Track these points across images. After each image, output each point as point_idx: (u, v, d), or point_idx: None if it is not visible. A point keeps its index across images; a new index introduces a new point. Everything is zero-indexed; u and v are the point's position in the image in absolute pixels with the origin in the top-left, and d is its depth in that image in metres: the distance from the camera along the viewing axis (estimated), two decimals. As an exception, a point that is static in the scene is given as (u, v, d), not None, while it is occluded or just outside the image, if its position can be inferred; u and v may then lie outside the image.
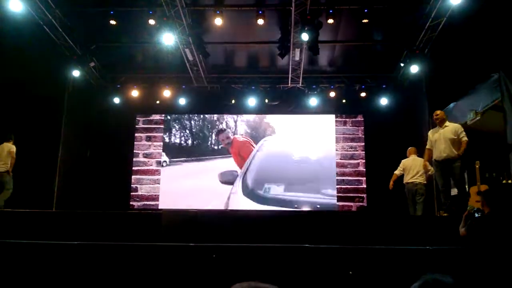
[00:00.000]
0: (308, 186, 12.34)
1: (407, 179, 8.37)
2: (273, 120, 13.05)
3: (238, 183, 12.40)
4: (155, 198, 12.54)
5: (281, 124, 12.94)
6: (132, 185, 12.61)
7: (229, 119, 13.13)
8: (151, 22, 9.72)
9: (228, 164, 12.74)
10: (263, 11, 9.71)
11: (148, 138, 12.97)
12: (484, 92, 7.77)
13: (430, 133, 7.51)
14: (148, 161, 12.82)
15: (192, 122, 13.18)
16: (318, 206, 12.19)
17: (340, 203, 12.25)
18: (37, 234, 5.16)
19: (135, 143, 12.91)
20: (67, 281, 3.47)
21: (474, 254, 3.63)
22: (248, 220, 6.66)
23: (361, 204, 12.23)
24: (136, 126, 13.03)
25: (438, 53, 10.04)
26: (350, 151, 12.62)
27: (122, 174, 12.51)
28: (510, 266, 3.31)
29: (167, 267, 3.53)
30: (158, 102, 12.66)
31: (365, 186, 12.32)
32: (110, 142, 12.53)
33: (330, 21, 9.68)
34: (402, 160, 8.65)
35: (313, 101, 12.33)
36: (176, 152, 12.97)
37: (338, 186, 12.38)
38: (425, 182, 8.26)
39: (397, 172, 8.57)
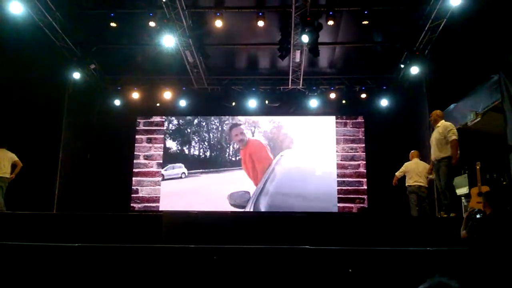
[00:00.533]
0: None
1: (410, 182, 8.38)
2: (291, 130, 12.88)
3: (250, 206, 12.14)
4: (156, 200, 12.55)
5: (281, 125, 12.93)
6: (132, 187, 12.62)
7: (246, 130, 13.01)
8: (152, 24, 9.74)
9: (242, 176, 12.59)
10: (263, 13, 9.73)
11: (149, 140, 12.97)
12: (484, 93, 7.76)
13: None
14: (149, 163, 12.83)
15: (211, 134, 13.10)
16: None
17: (341, 205, 12.25)
18: (38, 236, 5.16)
19: (135, 145, 12.92)
20: (68, 283, 3.47)
21: (476, 255, 3.63)
22: (249, 222, 6.66)
23: (361, 205, 12.22)
24: (137, 128, 13.04)
25: (438, 54, 10.04)
26: (350, 152, 12.62)
27: (123, 176, 12.52)
28: None
29: (168, 269, 3.53)
30: (158, 104, 12.68)
31: (365, 187, 12.32)
32: (111, 144, 12.54)
33: (330, 22, 9.69)
34: (405, 163, 8.67)
35: (313, 102, 12.33)
36: (195, 164, 12.90)
37: (339, 188, 12.37)
38: (426, 185, 8.34)
39: (397, 173, 8.58)
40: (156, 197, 12.57)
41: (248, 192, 12.30)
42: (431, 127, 10.02)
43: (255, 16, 9.79)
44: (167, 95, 12.37)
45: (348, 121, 12.81)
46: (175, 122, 13.19)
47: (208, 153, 12.92)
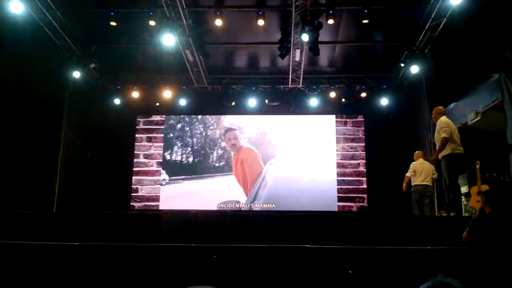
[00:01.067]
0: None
1: (417, 181, 8.48)
2: (274, 137, 12.87)
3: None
4: (156, 198, 12.55)
5: (282, 125, 12.92)
6: (132, 186, 12.62)
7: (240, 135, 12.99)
8: (152, 23, 9.73)
9: (229, 182, 12.57)
10: (263, 12, 9.73)
11: (149, 139, 12.98)
12: (484, 92, 7.77)
13: None
14: (149, 161, 12.83)
15: (194, 140, 13.07)
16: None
17: (341, 204, 12.25)
18: (38, 235, 5.16)
19: (135, 144, 12.92)
20: (68, 282, 3.47)
21: (476, 255, 3.63)
22: (249, 221, 6.67)
23: (361, 204, 12.23)
24: (137, 127, 13.04)
25: (439, 53, 10.05)
26: (350, 151, 12.62)
27: (123, 175, 12.53)
28: None
29: (168, 268, 3.54)
30: (157, 104, 12.68)
31: (365, 186, 12.32)
32: (111, 143, 12.54)
33: (331, 21, 9.68)
34: (412, 163, 8.74)
35: (313, 101, 12.33)
36: (175, 170, 12.86)
37: (339, 187, 12.37)
38: (432, 185, 8.51)
39: (408, 174, 8.66)
40: (156, 196, 12.57)
41: (239, 201, 12.32)
42: (431, 126, 10.07)
43: (255, 15, 9.79)
44: (167, 94, 12.37)
45: (348, 120, 12.80)
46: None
47: (191, 159, 12.89)
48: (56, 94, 10.91)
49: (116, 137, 12.65)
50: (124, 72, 12.59)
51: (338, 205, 12.24)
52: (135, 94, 12.49)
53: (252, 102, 12.34)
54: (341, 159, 12.57)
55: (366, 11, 9.63)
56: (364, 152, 12.54)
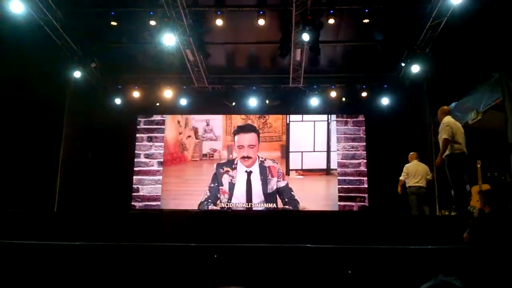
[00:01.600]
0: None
1: (411, 183, 8.64)
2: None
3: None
4: (157, 198, 12.55)
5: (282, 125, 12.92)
6: (133, 186, 12.62)
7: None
8: (152, 23, 9.74)
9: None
10: (264, 11, 9.72)
11: (149, 139, 12.97)
12: (485, 91, 7.76)
13: None
14: (150, 161, 12.83)
15: None
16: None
17: (342, 203, 12.25)
18: (39, 235, 5.17)
19: (136, 143, 12.92)
20: (69, 282, 3.48)
21: (476, 254, 3.63)
22: (250, 220, 6.67)
23: (362, 204, 12.22)
24: (138, 126, 13.04)
25: (439, 52, 10.04)
26: (351, 151, 12.61)
27: (124, 175, 12.52)
28: (512, 265, 3.31)
29: (169, 268, 3.54)
30: (158, 104, 12.68)
31: (366, 186, 12.31)
32: (111, 142, 12.54)
33: (331, 21, 9.69)
34: (406, 165, 8.89)
35: (314, 101, 12.32)
36: None
37: (340, 186, 12.37)
38: (426, 186, 8.69)
39: (402, 178, 8.84)
40: (157, 195, 12.57)
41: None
42: (432, 125, 10.08)
43: (255, 14, 9.79)
44: (168, 94, 12.36)
45: (349, 119, 12.79)
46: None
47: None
48: (56, 93, 10.90)
49: (117, 137, 12.65)
50: (124, 71, 12.58)
51: (339, 205, 12.23)
52: (136, 94, 12.48)
53: (252, 101, 12.34)
54: (342, 159, 12.56)
55: (366, 10, 9.63)
56: (365, 152, 12.53)
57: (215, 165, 12.54)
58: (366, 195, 12.26)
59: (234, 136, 12.75)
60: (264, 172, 12.31)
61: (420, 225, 6.20)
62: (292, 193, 12.18)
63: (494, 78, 7.36)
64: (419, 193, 8.55)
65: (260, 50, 11.83)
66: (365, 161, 12.46)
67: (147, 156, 12.87)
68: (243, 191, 12.21)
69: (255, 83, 12.32)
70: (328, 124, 12.79)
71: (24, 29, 9.07)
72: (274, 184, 12.24)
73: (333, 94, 12.27)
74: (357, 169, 12.47)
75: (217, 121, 12.99)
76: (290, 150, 12.68)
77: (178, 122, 13.10)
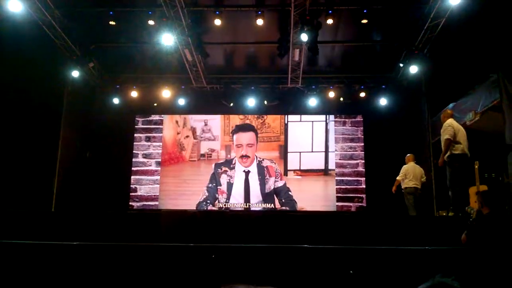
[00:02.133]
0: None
1: (409, 184, 8.72)
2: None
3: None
4: (155, 198, 12.55)
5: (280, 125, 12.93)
6: (131, 186, 12.61)
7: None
8: (151, 22, 9.74)
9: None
10: (262, 11, 9.72)
11: (148, 139, 12.97)
12: (483, 92, 7.77)
13: None
14: (148, 161, 12.82)
15: None
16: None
17: (340, 204, 12.26)
18: (36, 234, 5.16)
19: (134, 143, 12.91)
20: (67, 282, 3.47)
21: (474, 255, 3.64)
22: (248, 221, 6.66)
23: (360, 204, 12.23)
24: (136, 126, 13.03)
25: (437, 53, 10.05)
26: (349, 151, 12.62)
27: (122, 175, 12.51)
28: (511, 266, 3.32)
29: (166, 268, 3.54)
30: (155, 104, 12.68)
31: (364, 186, 12.32)
32: (110, 142, 12.54)
33: (330, 21, 9.70)
34: (404, 166, 8.96)
35: (312, 101, 12.32)
36: None
37: (338, 187, 12.38)
38: (420, 187, 8.86)
39: (399, 178, 8.91)
40: (155, 195, 12.57)
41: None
42: (430, 126, 10.10)
43: (254, 14, 9.79)
44: (166, 93, 12.36)
45: (347, 120, 12.80)
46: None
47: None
48: (55, 93, 10.89)
49: (115, 137, 12.65)
50: (123, 71, 12.57)
51: (337, 205, 12.24)
52: (134, 94, 12.48)
53: (251, 101, 12.34)
54: (340, 159, 12.57)
55: (365, 11, 9.64)
56: (363, 152, 12.54)
57: (213, 165, 12.54)
58: (364, 196, 12.28)
59: (233, 135, 12.75)
60: (262, 172, 12.31)
61: (418, 225, 6.20)
62: (290, 193, 12.18)
63: (492, 79, 7.37)
64: (416, 193, 8.67)
65: (258, 50, 11.84)
66: (363, 161, 12.48)
67: (145, 156, 12.86)
68: (241, 191, 12.21)
69: (253, 83, 12.32)
70: (326, 124, 12.80)
71: (22, 28, 9.06)
72: (271, 184, 12.24)
73: (331, 94, 12.28)
74: (355, 169, 12.48)
75: (215, 121, 12.99)
76: (288, 150, 12.69)
77: (176, 122, 13.09)
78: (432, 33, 9.84)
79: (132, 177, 12.67)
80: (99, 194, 11.65)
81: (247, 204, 12.11)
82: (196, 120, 13.05)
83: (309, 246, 3.59)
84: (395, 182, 8.89)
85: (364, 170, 12.43)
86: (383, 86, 12.28)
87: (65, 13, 10.02)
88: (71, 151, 11.41)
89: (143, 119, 13.10)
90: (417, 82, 11.13)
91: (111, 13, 9.90)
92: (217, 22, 9.79)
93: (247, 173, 12.33)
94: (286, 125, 12.86)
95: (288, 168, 12.55)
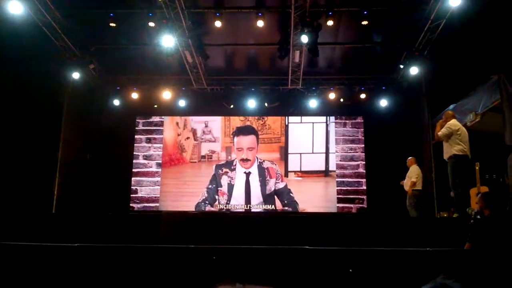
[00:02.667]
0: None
1: (419, 186, 8.79)
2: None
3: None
4: (155, 200, 12.54)
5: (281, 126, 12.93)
6: (132, 187, 12.61)
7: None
8: (151, 24, 9.74)
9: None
10: (262, 13, 9.72)
11: (148, 140, 12.97)
12: (483, 93, 7.77)
13: None
14: (148, 163, 12.82)
15: None
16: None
17: (340, 205, 12.25)
18: (37, 236, 5.16)
19: (135, 145, 12.91)
20: (67, 284, 3.47)
21: (476, 257, 3.63)
22: (248, 222, 6.66)
23: (361, 205, 12.22)
24: (136, 128, 13.03)
25: (438, 54, 10.05)
26: (350, 152, 12.61)
27: (122, 176, 12.52)
28: None
29: (167, 269, 3.53)
30: (156, 106, 12.68)
31: (365, 187, 12.32)
32: (110, 144, 12.54)
33: (330, 23, 9.70)
34: (415, 168, 8.93)
35: (312, 102, 12.33)
36: None
37: (338, 188, 12.37)
38: None
39: (415, 179, 8.81)
40: (155, 197, 12.57)
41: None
42: (430, 127, 10.10)
43: (254, 16, 9.79)
44: (167, 95, 12.36)
45: (347, 121, 12.80)
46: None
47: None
48: (55, 95, 10.89)
49: (116, 138, 12.65)
50: (123, 73, 12.58)
51: (338, 206, 12.23)
52: (135, 95, 12.48)
53: (251, 103, 12.34)
54: (340, 160, 12.57)
55: (365, 12, 9.64)
56: (363, 154, 12.54)
57: (214, 166, 12.55)
58: (364, 197, 12.27)
59: (233, 138, 12.75)
60: (263, 174, 12.31)
61: (419, 227, 6.20)
62: (291, 194, 12.18)
63: (492, 80, 7.37)
64: (420, 195, 8.75)
65: (259, 51, 11.85)
66: (364, 162, 12.47)
67: (146, 157, 12.87)
68: (242, 192, 12.21)
69: (253, 84, 12.33)
70: (327, 125, 12.80)
71: (23, 30, 9.05)
72: (272, 185, 12.24)
73: (332, 95, 12.28)
74: (356, 170, 12.47)
75: (216, 123, 12.99)
76: (289, 151, 12.69)
77: (177, 123, 13.10)
78: (433, 34, 9.84)
79: (133, 178, 12.67)
80: (99, 196, 11.65)
81: (248, 205, 12.11)
82: (197, 122, 13.05)
83: (310, 247, 3.58)
84: (410, 184, 8.76)
85: (364, 171, 12.42)
86: (384, 88, 12.28)
87: (65, 14, 10.03)
88: (71, 152, 11.41)
89: (143, 121, 13.11)
90: (417, 83, 11.14)
91: (111, 14, 9.90)
92: (218, 23, 9.80)
93: (247, 174, 12.32)
94: (286, 127, 12.86)
95: (289, 169, 12.55)
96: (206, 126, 12.97)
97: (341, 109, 12.68)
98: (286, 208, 12.06)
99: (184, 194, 12.46)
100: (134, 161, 12.80)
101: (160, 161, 12.81)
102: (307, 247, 3.59)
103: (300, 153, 12.67)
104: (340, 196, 12.33)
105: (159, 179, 12.71)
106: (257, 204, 12.07)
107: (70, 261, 3.59)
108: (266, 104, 12.43)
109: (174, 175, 12.74)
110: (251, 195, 12.18)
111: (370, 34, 10.94)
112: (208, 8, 10.01)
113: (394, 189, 9.00)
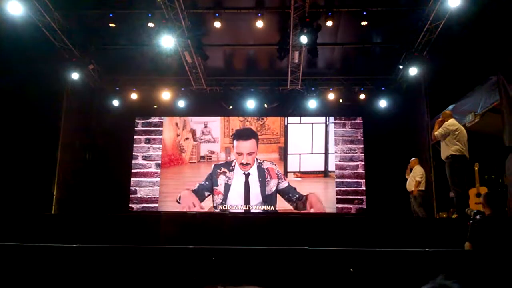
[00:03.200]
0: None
1: (423, 187, 8.82)
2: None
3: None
4: (154, 200, 12.54)
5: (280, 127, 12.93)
6: (131, 188, 12.60)
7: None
8: (150, 24, 9.75)
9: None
10: (262, 13, 9.73)
11: (147, 141, 12.96)
12: (482, 94, 7.78)
13: None
14: (147, 163, 12.81)
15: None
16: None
17: (340, 205, 12.25)
18: (36, 237, 5.15)
19: (134, 145, 12.90)
20: (67, 284, 3.46)
21: (476, 257, 3.63)
22: (248, 223, 6.66)
23: (360, 206, 12.22)
24: (135, 128, 13.03)
25: (437, 55, 10.06)
26: (349, 153, 12.62)
27: (121, 177, 12.50)
28: None
29: (166, 270, 3.53)
30: (156, 106, 12.68)
31: (364, 188, 12.32)
32: (109, 144, 12.53)
33: (329, 23, 9.71)
34: (419, 168, 8.95)
35: (312, 103, 12.33)
36: None
37: (337, 188, 12.38)
38: None
39: (419, 179, 8.85)
40: (154, 197, 12.56)
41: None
42: (430, 128, 10.10)
43: (254, 16, 9.80)
44: (166, 95, 12.36)
45: (346, 122, 12.80)
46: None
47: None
48: (54, 95, 10.89)
49: (115, 139, 12.64)
50: (122, 73, 12.57)
51: (337, 207, 12.23)
52: (134, 96, 12.49)
53: (251, 103, 12.35)
54: (339, 161, 12.57)
55: (364, 13, 9.66)
56: (362, 154, 12.54)
57: (213, 165, 12.55)
58: (364, 197, 12.27)
59: (233, 141, 12.75)
60: (263, 174, 12.31)
61: (418, 227, 6.20)
62: (298, 190, 12.20)
63: (491, 81, 7.38)
64: (424, 196, 8.80)
65: (258, 52, 11.85)
66: (363, 163, 12.47)
67: (145, 158, 12.86)
68: (241, 192, 12.21)
69: (253, 85, 12.34)
70: (326, 126, 12.81)
71: (22, 30, 9.06)
72: (273, 185, 12.24)
73: (331, 96, 12.29)
74: (355, 171, 12.47)
75: (215, 123, 12.98)
76: (288, 152, 12.69)
77: (176, 124, 13.10)
78: (432, 35, 9.86)
79: (132, 179, 12.66)
80: (99, 196, 11.64)
81: (247, 206, 12.11)
82: (196, 122, 13.05)
83: (310, 248, 3.58)
84: (415, 184, 8.78)
85: (364, 172, 12.42)
86: (383, 88, 12.29)
87: (64, 15, 10.03)
88: (71, 153, 11.40)
89: (143, 121, 13.10)
90: (416, 84, 11.14)
91: (110, 15, 9.91)
92: (217, 24, 9.81)
93: (247, 175, 12.32)
94: (286, 127, 12.87)
95: (288, 170, 12.55)
96: (206, 126, 12.97)
97: (340, 109, 12.68)
98: (296, 203, 12.05)
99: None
100: (133, 161, 12.80)
101: (160, 162, 12.80)
102: (306, 247, 3.59)
103: (300, 154, 12.67)
104: (339, 196, 12.33)
105: (158, 179, 12.70)
106: (256, 205, 12.08)
107: (70, 262, 3.59)
108: (265, 105, 12.43)
109: (174, 175, 12.74)
110: (250, 195, 12.17)
111: (370, 35, 10.96)
112: (208, 9, 10.01)
113: (393, 189, 9.00)
